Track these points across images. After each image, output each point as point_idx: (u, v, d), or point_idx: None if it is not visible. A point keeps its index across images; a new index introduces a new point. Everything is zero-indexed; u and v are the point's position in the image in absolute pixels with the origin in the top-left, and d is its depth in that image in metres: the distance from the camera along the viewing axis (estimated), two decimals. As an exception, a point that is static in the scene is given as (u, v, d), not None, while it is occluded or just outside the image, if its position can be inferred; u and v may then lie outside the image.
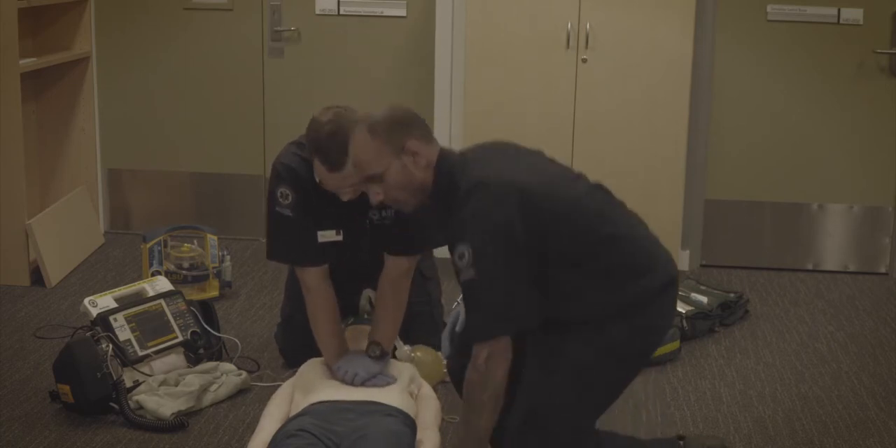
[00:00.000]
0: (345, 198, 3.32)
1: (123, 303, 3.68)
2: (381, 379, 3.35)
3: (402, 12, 5.15)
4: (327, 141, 3.17)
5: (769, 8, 4.92)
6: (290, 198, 3.40)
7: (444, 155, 2.74)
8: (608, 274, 2.68)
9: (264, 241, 3.75)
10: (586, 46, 4.62)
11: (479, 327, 2.61)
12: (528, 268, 2.61)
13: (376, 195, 2.73)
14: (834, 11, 4.88)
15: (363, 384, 3.32)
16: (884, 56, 4.90)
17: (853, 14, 4.87)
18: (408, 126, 2.72)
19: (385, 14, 5.14)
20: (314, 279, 3.48)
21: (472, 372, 2.62)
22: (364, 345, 3.46)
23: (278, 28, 5.25)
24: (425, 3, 5.10)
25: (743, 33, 4.97)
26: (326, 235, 3.47)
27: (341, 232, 3.49)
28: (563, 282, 2.67)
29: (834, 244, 5.14)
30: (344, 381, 3.33)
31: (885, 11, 4.87)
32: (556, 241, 2.63)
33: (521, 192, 2.60)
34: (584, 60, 4.64)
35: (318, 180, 3.32)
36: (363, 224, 3.49)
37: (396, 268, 3.49)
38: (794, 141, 5.06)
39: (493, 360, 2.59)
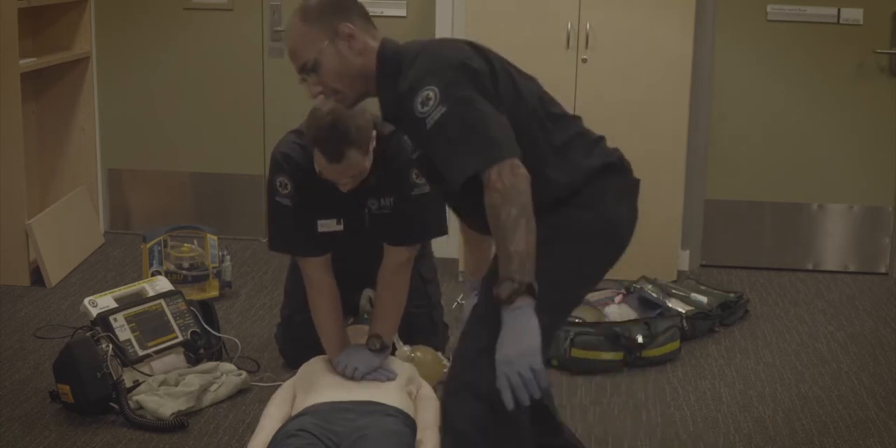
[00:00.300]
0: (344, 188, 3.33)
1: (123, 303, 3.68)
2: (381, 373, 3.35)
3: (402, 12, 5.15)
4: (327, 132, 3.16)
5: (769, 8, 4.92)
6: (288, 187, 3.40)
7: (388, 41, 2.54)
8: (557, 151, 2.56)
9: (264, 241, 3.75)
10: (586, 46, 4.62)
11: (473, 156, 2.31)
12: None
13: (314, 87, 2.53)
14: (834, 11, 4.88)
15: (363, 378, 3.33)
16: (884, 56, 4.90)
17: (853, 14, 4.87)
18: (342, 10, 2.51)
19: (385, 14, 5.14)
20: (316, 270, 3.48)
21: (491, 193, 2.29)
22: (364, 342, 3.47)
23: (278, 28, 5.25)
24: (425, 3, 5.10)
25: (743, 33, 4.97)
26: (326, 224, 3.47)
27: (342, 221, 3.48)
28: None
29: (834, 244, 5.14)
30: (344, 375, 3.34)
31: (885, 11, 4.87)
32: (508, 103, 2.48)
33: (475, 47, 2.52)
34: (584, 60, 4.64)
35: (317, 170, 3.32)
36: (362, 213, 3.49)
37: (395, 258, 3.49)
38: (794, 141, 5.06)
39: (507, 175, 2.28)
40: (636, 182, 2.77)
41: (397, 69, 2.46)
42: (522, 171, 2.31)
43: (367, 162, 3.27)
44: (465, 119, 2.34)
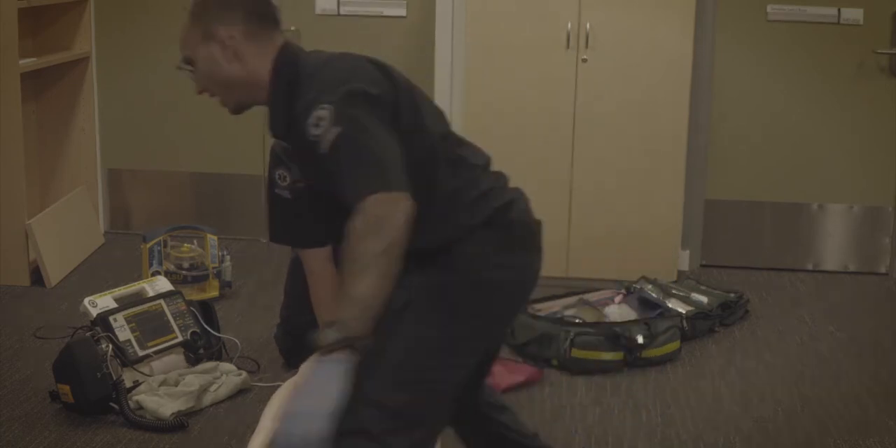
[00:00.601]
0: None
1: (123, 303, 3.68)
2: None
3: (402, 12, 5.15)
4: None
5: (769, 8, 4.92)
6: (287, 179, 3.40)
7: (287, 50, 2.33)
8: (441, 198, 2.27)
9: (265, 241, 3.74)
10: (586, 46, 4.62)
11: (365, 180, 2.08)
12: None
13: (195, 81, 2.40)
14: (834, 11, 4.88)
15: None
16: (884, 56, 4.90)
17: (853, 14, 4.87)
18: (226, 10, 2.30)
19: (385, 14, 5.14)
20: (316, 261, 3.47)
21: (359, 217, 2.03)
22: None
23: (278, 28, 5.25)
24: (425, 3, 5.10)
25: (743, 33, 4.97)
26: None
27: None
28: None
29: (834, 244, 5.14)
30: None
31: (885, 11, 4.87)
32: (406, 134, 2.23)
33: (382, 69, 2.29)
34: (584, 60, 4.64)
35: None
36: None
37: None
38: (794, 141, 5.05)
39: (389, 205, 2.04)
40: (529, 231, 2.41)
41: (293, 83, 2.28)
42: (409, 209, 2.05)
43: None
44: (359, 140, 2.12)
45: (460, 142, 2.43)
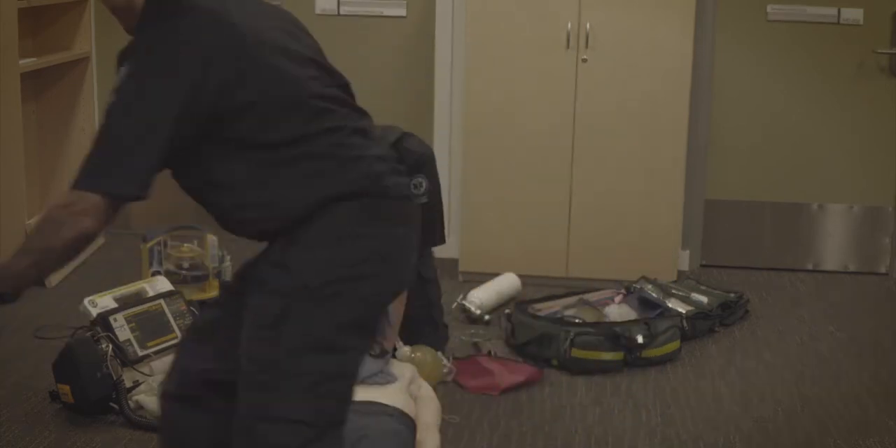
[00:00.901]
0: None
1: (123, 303, 3.68)
2: (381, 377, 3.35)
3: (402, 12, 5.15)
4: None
5: (769, 8, 4.92)
6: None
7: None
8: (302, 168, 2.11)
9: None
10: (586, 46, 4.62)
11: (85, 166, 2.05)
12: (180, 126, 2.03)
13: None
14: (834, 11, 4.88)
15: (363, 382, 3.32)
16: (884, 56, 4.90)
17: (853, 14, 4.87)
18: None
19: (385, 14, 5.14)
20: None
21: (45, 214, 2.07)
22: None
23: (278, 28, 5.25)
24: (425, 3, 5.10)
25: (743, 33, 4.97)
26: None
27: None
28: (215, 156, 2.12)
29: (834, 244, 5.14)
30: None
31: (885, 11, 4.87)
32: (249, 109, 2.07)
33: (234, 27, 2.07)
34: (584, 60, 4.64)
35: None
36: None
37: None
38: (794, 141, 5.06)
39: (72, 216, 2.02)
40: (400, 208, 2.25)
41: (151, 18, 2.16)
42: (91, 228, 2.01)
43: None
44: (114, 123, 2.01)
45: (336, 97, 2.23)
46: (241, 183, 2.17)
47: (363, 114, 2.29)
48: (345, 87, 2.29)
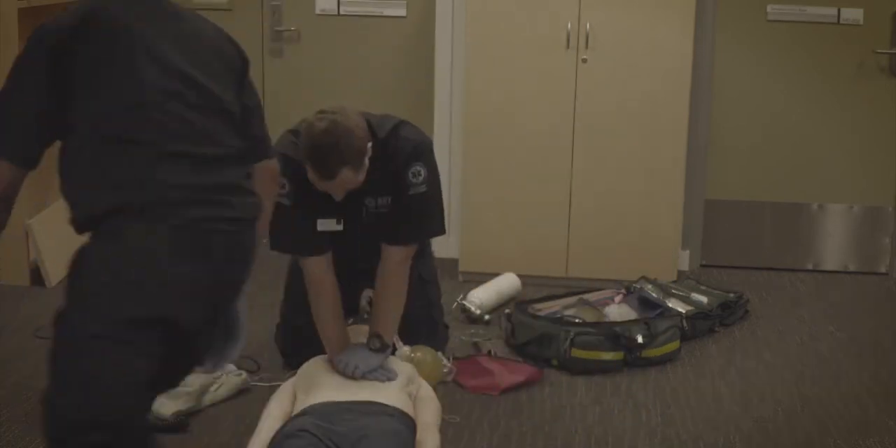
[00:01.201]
0: (337, 198, 3.33)
1: (123, 303, 3.67)
2: (381, 373, 3.35)
3: (402, 12, 5.15)
4: (321, 151, 3.17)
5: (769, 8, 4.92)
6: (287, 187, 3.40)
7: None
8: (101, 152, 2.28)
9: (265, 242, 3.74)
10: (586, 46, 4.62)
11: None
12: (49, 92, 2.20)
13: None
14: (834, 11, 4.88)
15: (363, 377, 3.33)
16: (884, 56, 4.90)
17: (853, 14, 4.88)
18: None
19: (385, 14, 5.14)
20: (316, 269, 3.49)
21: None
22: (364, 342, 3.47)
23: (278, 28, 5.25)
24: (425, 3, 5.10)
25: (743, 33, 4.97)
26: (326, 224, 3.47)
27: (342, 221, 3.49)
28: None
29: (834, 244, 5.14)
30: (343, 374, 3.34)
31: (885, 11, 4.87)
32: (83, 77, 2.21)
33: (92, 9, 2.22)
34: (584, 60, 4.64)
35: (310, 179, 3.32)
36: (360, 212, 3.49)
37: (393, 258, 3.49)
38: (794, 141, 5.06)
39: None
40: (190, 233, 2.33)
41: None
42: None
43: (361, 176, 3.27)
44: (3, 93, 2.19)
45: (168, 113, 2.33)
46: None
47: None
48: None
